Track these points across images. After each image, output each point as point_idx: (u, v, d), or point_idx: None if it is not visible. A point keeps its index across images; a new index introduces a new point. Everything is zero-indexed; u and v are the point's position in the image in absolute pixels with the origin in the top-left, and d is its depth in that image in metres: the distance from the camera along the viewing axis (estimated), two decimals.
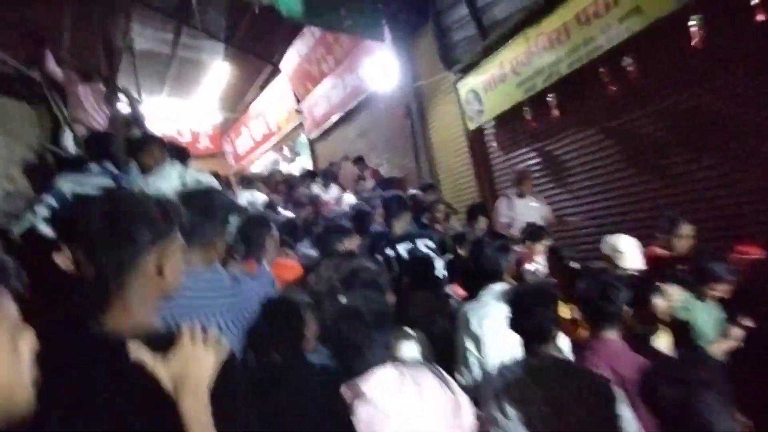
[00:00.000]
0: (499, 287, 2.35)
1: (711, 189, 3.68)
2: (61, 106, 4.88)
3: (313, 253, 3.84)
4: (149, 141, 3.01)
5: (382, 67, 6.72)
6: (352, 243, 3.39)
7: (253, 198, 6.46)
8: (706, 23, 3.35)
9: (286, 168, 10.08)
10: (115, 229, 1.06)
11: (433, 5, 5.73)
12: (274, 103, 10.28)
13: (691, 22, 3.37)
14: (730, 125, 3.52)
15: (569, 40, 4.31)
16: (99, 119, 5.40)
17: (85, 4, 5.91)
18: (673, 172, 3.94)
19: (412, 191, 5.54)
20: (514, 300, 1.82)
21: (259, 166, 11.65)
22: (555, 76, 4.51)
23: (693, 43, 3.39)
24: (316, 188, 6.60)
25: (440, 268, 3.26)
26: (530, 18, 4.62)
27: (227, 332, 1.61)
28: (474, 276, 2.65)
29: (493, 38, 5.10)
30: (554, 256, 3.33)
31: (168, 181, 2.78)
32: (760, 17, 3.08)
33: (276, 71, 9.52)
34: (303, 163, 10.13)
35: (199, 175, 2.92)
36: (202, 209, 1.60)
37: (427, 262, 3.08)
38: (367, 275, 2.10)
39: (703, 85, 3.63)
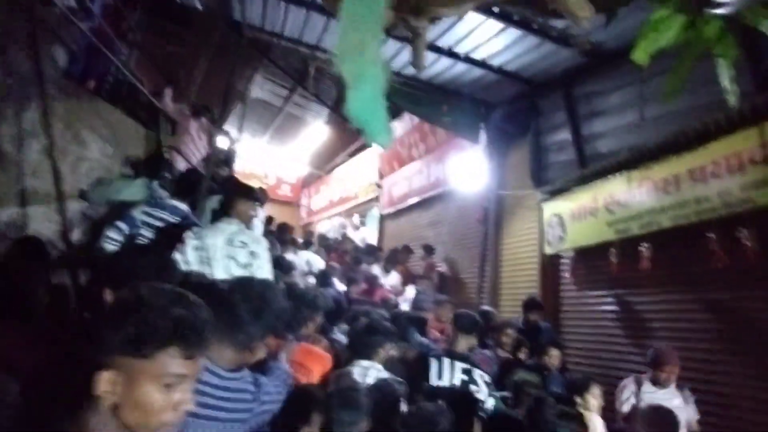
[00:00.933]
0: None
1: None
2: (168, 135, 5.29)
3: (343, 339, 3.59)
4: (240, 195, 2.96)
5: (469, 167, 6.67)
6: (391, 350, 3.12)
7: (311, 261, 6.42)
8: None
9: (352, 234, 10.14)
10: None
11: (535, 123, 5.68)
12: (358, 172, 10.60)
13: None
14: None
15: (678, 193, 3.95)
16: (197, 153, 5.78)
17: (224, 52, 6.59)
18: None
19: (486, 308, 5.17)
20: None
21: (326, 225, 11.87)
22: (653, 226, 4.12)
23: None
24: (377, 268, 6.43)
25: (489, 409, 2.85)
26: (637, 159, 4.36)
27: None
28: None
29: (591, 169, 4.86)
30: None
31: (216, 237, 2.71)
32: None
33: (368, 144, 9.88)
34: (368, 234, 10.14)
35: (253, 238, 2.82)
36: (256, 308, 1.43)
37: (474, 404, 2.70)
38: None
39: None
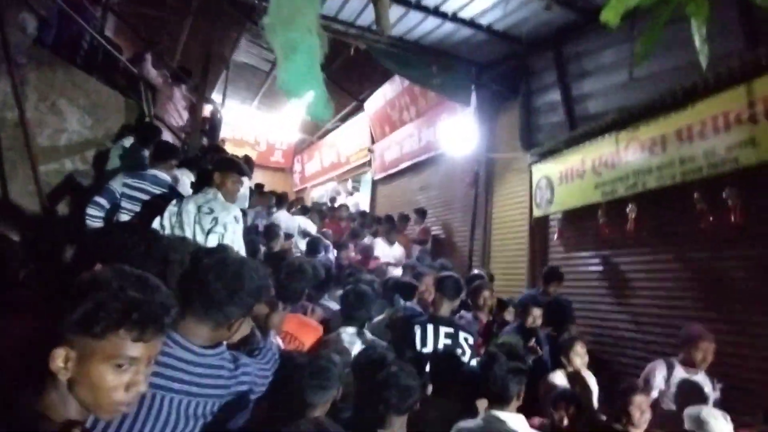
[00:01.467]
0: (503, 415, 2.03)
1: None
2: (150, 103, 5.17)
3: (335, 307, 3.62)
4: (219, 168, 2.95)
5: (460, 130, 6.59)
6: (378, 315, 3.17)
7: (304, 226, 6.40)
8: None
9: (344, 200, 10.11)
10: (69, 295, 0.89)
11: (525, 84, 5.56)
12: (350, 137, 10.47)
13: None
14: None
15: (664, 153, 3.94)
16: (179, 121, 5.67)
17: (206, 15, 6.35)
18: (761, 332, 3.37)
19: (477, 271, 5.19)
20: None
21: (319, 191, 11.84)
22: (639, 187, 4.12)
23: None
24: (381, 242, 6.23)
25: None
26: (625, 120, 4.31)
27: (200, 419, 1.41)
28: (479, 393, 2.33)
29: (580, 131, 4.81)
30: None
31: (190, 204, 2.75)
32: None
33: (359, 108, 9.72)
34: (361, 200, 10.14)
35: (223, 206, 2.82)
36: (230, 287, 1.41)
37: (460, 367, 2.76)
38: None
39: None
